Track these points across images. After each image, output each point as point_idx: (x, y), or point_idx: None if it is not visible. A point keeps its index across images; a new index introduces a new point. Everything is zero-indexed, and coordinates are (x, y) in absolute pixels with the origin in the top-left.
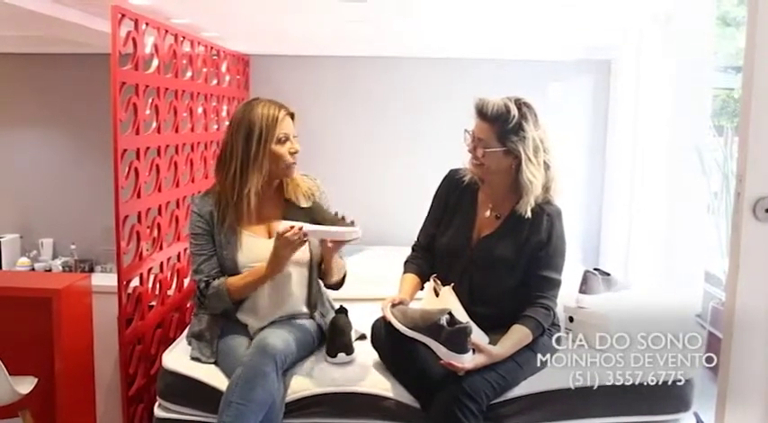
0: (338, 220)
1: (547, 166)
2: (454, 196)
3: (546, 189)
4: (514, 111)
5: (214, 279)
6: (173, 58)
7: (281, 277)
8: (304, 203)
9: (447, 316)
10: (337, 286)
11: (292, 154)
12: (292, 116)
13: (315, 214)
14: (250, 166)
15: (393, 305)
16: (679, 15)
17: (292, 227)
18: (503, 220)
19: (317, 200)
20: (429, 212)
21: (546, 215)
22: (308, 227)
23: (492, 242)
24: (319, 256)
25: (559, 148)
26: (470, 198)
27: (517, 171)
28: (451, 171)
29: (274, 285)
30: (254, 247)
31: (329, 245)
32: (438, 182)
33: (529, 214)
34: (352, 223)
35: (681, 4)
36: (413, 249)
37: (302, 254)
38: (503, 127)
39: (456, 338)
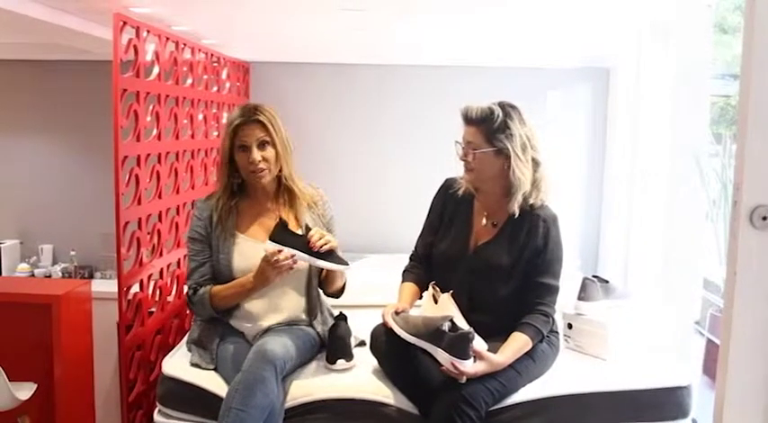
0: (332, 258)
1: (536, 164)
2: (451, 204)
3: (536, 187)
4: (498, 111)
5: (201, 286)
6: (173, 66)
7: (272, 285)
8: (305, 213)
9: (449, 322)
10: (337, 295)
11: (253, 163)
12: (262, 122)
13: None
14: (222, 168)
15: (396, 313)
16: (677, 23)
17: (280, 251)
18: (500, 228)
19: (320, 212)
20: (426, 221)
21: (542, 221)
22: (298, 255)
23: (490, 250)
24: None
25: (558, 154)
26: (467, 206)
27: (508, 172)
28: (448, 180)
29: (264, 293)
30: (250, 250)
31: None
32: (436, 190)
33: (517, 213)
34: (345, 262)
35: (679, 12)
36: (411, 259)
37: (300, 263)
38: (489, 127)
39: (458, 344)
